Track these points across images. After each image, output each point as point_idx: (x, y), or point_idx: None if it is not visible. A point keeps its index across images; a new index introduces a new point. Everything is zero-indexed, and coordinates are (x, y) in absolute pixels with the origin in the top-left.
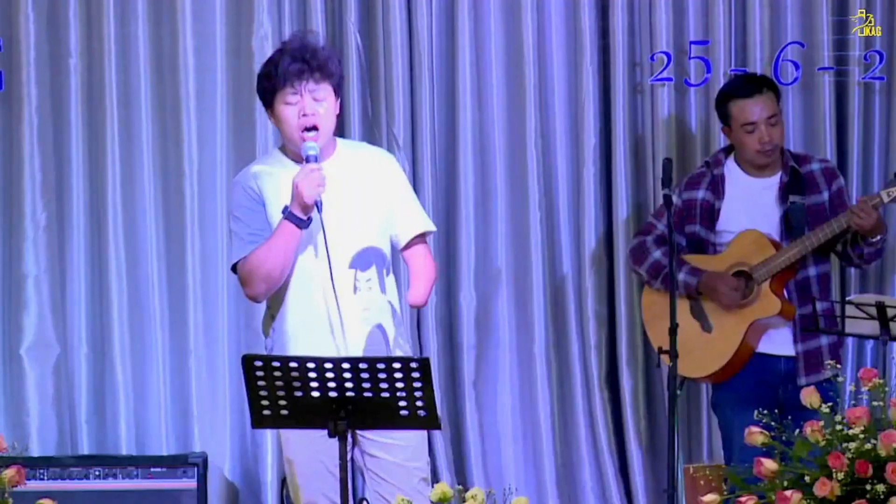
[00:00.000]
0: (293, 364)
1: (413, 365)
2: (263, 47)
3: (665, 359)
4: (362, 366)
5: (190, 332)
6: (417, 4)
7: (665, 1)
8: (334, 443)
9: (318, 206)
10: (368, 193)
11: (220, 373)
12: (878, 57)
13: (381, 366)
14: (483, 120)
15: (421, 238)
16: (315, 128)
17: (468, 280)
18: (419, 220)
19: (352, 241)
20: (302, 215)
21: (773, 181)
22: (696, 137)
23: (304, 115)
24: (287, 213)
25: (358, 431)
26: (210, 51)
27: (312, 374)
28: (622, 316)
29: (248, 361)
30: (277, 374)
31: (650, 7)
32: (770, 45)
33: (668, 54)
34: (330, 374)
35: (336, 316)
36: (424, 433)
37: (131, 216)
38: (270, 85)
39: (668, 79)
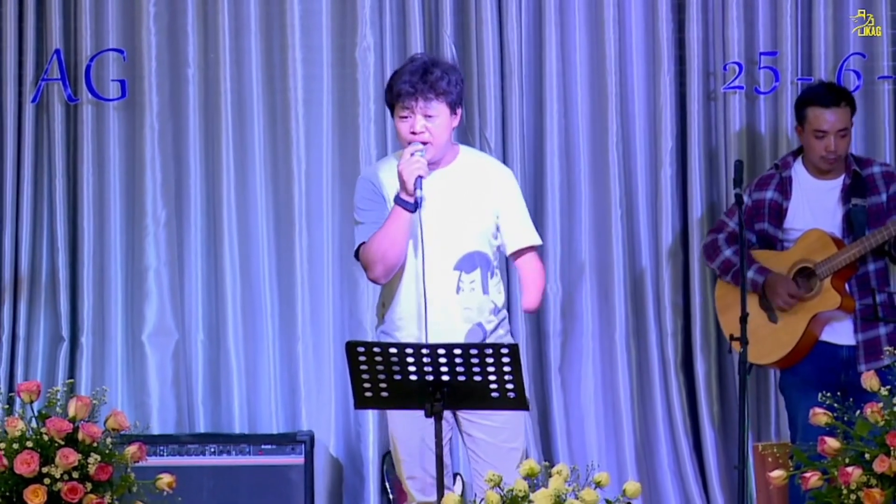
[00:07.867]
0: (393, 350)
1: (503, 351)
2: (366, 58)
3: (736, 345)
4: (457, 351)
5: (298, 320)
6: (508, 19)
7: (737, 15)
8: (433, 421)
9: (418, 201)
10: (477, 201)
11: (326, 358)
12: None
13: (473, 351)
14: (568, 125)
15: (529, 248)
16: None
17: (554, 272)
18: (526, 233)
19: (457, 244)
20: (407, 198)
21: (837, 183)
22: (765, 141)
23: (412, 132)
24: (396, 198)
25: (458, 413)
26: (317, 61)
27: (410, 360)
28: (697, 306)
29: (351, 347)
30: (378, 359)
31: (723, 21)
32: (834, 56)
33: (739, 64)
34: (427, 360)
35: (423, 312)
36: (522, 415)
37: (244, 214)
38: (390, 98)
39: (740, 87)
